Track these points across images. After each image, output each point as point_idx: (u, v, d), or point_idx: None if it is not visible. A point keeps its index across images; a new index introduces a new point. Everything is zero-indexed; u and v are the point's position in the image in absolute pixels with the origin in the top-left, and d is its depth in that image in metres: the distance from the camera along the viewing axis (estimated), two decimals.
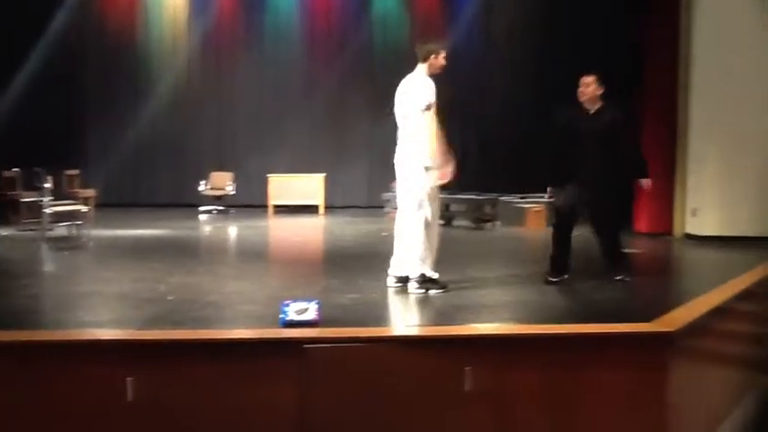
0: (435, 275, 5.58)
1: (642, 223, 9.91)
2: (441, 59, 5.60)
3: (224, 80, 13.99)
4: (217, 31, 13.86)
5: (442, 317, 4.86)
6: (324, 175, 13.00)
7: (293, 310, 4.13)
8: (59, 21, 12.75)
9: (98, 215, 10.95)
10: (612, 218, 6.20)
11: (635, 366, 4.16)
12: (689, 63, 9.44)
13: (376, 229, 10.62)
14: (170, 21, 13.79)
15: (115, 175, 13.37)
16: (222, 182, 13.05)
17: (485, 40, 14.08)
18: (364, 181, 13.99)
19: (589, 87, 5.99)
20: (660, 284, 6.61)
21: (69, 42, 12.96)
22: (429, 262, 5.57)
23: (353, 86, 14.01)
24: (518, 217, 10.85)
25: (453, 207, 11.57)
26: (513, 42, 13.85)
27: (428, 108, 5.45)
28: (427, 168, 5.54)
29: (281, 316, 4.17)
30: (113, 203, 12.76)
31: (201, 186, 12.84)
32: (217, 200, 12.91)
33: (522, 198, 11.33)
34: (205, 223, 11.48)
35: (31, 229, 9.24)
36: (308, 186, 12.90)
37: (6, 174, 10.31)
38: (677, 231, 9.62)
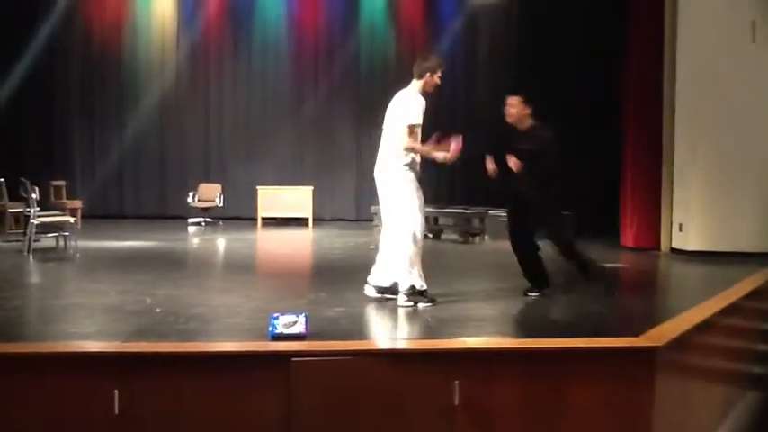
0: (424, 287, 5.58)
1: (629, 238, 9.97)
2: (436, 78, 5.63)
3: (211, 92, 14.00)
4: (204, 42, 13.89)
5: (429, 330, 4.86)
6: (312, 187, 13.01)
7: (282, 323, 4.12)
8: (46, 31, 12.78)
9: (85, 227, 10.94)
10: (558, 228, 6.24)
11: (621, 381, 4.17)
12: (673, 74, 9.50)
13: (364, 242, 10.63)
14: (158, 32, 13.84)
15: (102, 186, 13.39)
16: (211, 194, 13.02)
17: (469, 55, 14.19)
18: (352, 194, 14.03)
19: (514, 108, 6.10)
20: (646, 299, 6.64)
21: (56, 53, 13.01)
22: (418, 274, 5.57)
23: (340, 99, 14.07)
24: (506, 231, 10.83)
25: (441, 221, 11.62)
26: (497, 56, 13.97)
27: (412, 129, 5.47)
28: (410, 179, 5.56)
29: (270, 329, 4.15)
30: (100, 215, 12.75)
31: (190, 198, 12.81)
32: (204, 212, 12.88)
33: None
34: (193, 235, 11.45)
35: (16, 240, 9.18)
36: (296, 199, 12.90)
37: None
38: (664, 246, 9.66)
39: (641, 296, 6.86)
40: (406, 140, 5.51)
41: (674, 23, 9.47)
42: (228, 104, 14.02)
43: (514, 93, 6.15)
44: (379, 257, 5.78)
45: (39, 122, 12.96)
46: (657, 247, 9.69)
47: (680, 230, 9.42)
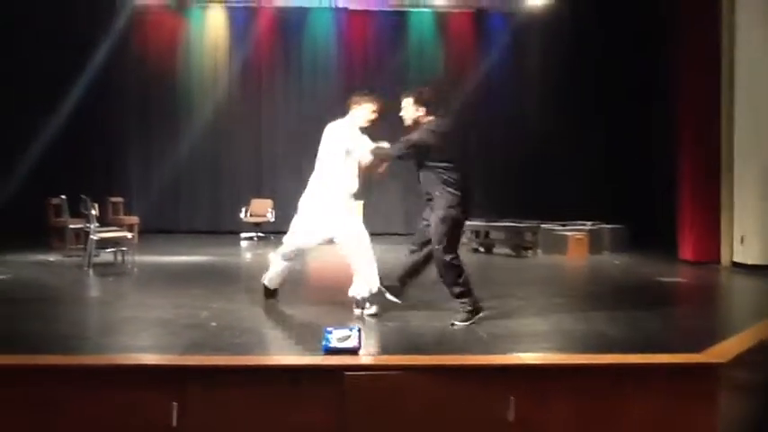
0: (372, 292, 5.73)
1: (688, 251, 9.70)
2: (368, 113, 5.98)
3: (263, 109, 14.21)
4: (256, 60, 14.13)
5: (483, 345, 4.80)
6: (362, 201, 13.04)
7: (335, 337, 4.12)
8: (102, 51, 13.06)
9: (141, 242, 11.11)
10: (442, 236, 5.68)
11: (682, 398, 4.06)
12: (731, 82, 9.24)
13: None
14: (210, 51, 14.11)
15: (157, 202, 13.60)
16: (262, 208, 13.18)
17: (518, 69, 14.13)
18: (401, 207, 14.02)
19: (405, 110, 5.88)
20: (705, 314, 6.45)
21: (113, 74, 13.26)
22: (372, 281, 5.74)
23: (389, 115, 14.04)
24: (559, 245, 10.72)
25: (493, 234, 11.52)
26: (548, 70, 13.87)
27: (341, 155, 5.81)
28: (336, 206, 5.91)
29: (324, 343, 4.16)
30: (155, 230, 12.95)
31: (242, 213, 12.98)
32: (256, 227, 13.03)
33: (563, 225, 11.22)
34: (246, 250, 11.58)
35: (76, 256, 9.43)
36: None
37: (53, 201, 10.56)
38: (724, 260, 9.36)
39: (700, 311, 6.66)
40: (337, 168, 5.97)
41: (731, 35, 9.22)
42: (279, 120, 14.20)
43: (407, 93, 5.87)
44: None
45: (97, 141, 13.31)
46: (718, 261, 9.39)
47: (741, 243, 9.14)
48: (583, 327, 5.43)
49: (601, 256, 10.61)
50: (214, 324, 5.35)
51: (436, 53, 14.32)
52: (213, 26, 14.12)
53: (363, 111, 5.98)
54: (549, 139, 13.53)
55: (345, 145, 5.91)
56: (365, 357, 4.18)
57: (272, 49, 14.18)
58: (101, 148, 13.37)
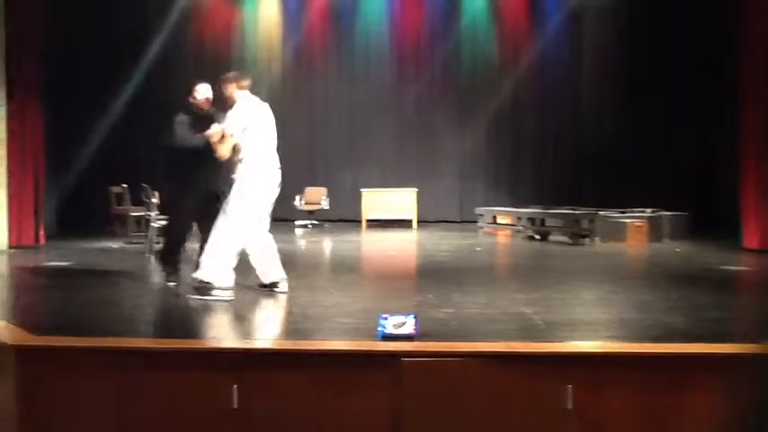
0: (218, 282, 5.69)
1: (753, 239, 9.41)
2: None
3: (316, 95, 14.29)
4: (308, 46, 14.19)
5: (539, 333, 4.76)
6: (416, 189, 13.06)
7: (391, 324, 4.15)
8: (159, 42, 13.27)
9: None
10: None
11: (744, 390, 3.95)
12: None
13: (468, 244, 10.57)
14: (264, 38, 14.20)
15: None
16: (317, 196, 13.28)
17: (573, 53, 13.87)
18: (455, 195, 13.98)
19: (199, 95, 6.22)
20: None
21: (169, 63, 13.46)
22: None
23: (442, 100, 14.04)
24: (618, 232, 10.52)
25: (549, 222, 11.38)
26: (602, 54, 13.58)
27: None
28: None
29: (380, 329, 4.19)
30: None
31: (296, 201, 13.11)
32: (311, 214, 13.16)
33: (622, 212, 11.01)
34: (301, 237, 11.71)
35: (138, 242, 9.68)
36: (400, 201, 12.98)
37: (115, 190, 10.85)
38: None
39: (765, 300, 6.46)
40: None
41: None
42: (332, 107, 14.27)
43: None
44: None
45: (156, 130, 13.55)
46: None
47: None
48: (643, 316, 5.33)
49: (660, 244, 10.38)
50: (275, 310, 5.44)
51: (489, 34, 14.12)
52: (267, 15, 14.22)
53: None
54: (605, 125, 13.29)
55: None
56: (421, 344, 4.19)
57: (325, 37, 14.21)
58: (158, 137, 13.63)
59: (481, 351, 4.15)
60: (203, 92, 6.24)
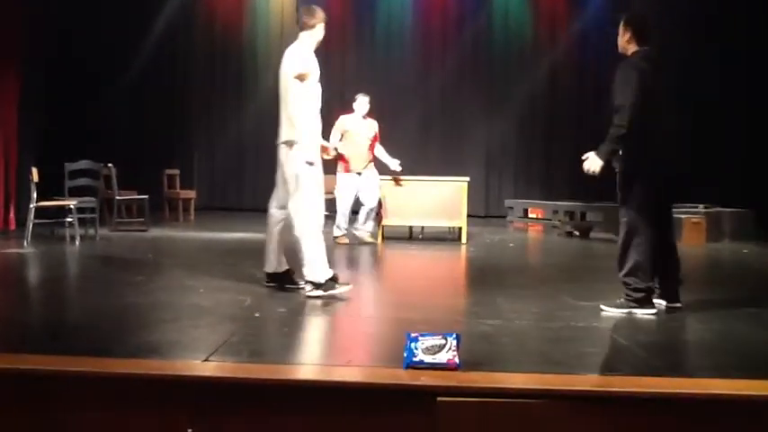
0: (327, 276, 4.68)
1: None
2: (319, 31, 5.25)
3: (333, 79, 13.07)
4: (326, 29, 12.96)
5: (633, 361, 3.38)
6: (467, 179, 11.90)
7: (423, 347, 2.80)
8: (167, 21, 12.64)
9: (198, 217, 10.65)
10: None
11: None
12: None
13: (499, 239, 9.30)
14: (277, 20, 13.25)
15: (221, 177, 13.03)
16: (330, 185, 12.08)
17: (617, 30, 12.61)
18: (482, 188, 12.93)
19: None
20: None
21: (178, 42, 12.83)
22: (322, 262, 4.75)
23: (470, 87, 13.12)
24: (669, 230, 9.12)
25: (590, 216, 10.18)
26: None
27: (299, 78, 4.98)
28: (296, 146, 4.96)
29: (406, 354, 2.86)
30: (219, 207, 12.51)
31: None
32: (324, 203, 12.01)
33: (677, 207, 9.64)
34: None
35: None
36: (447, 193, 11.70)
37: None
38: None
39: None
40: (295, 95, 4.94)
41: None
42: (349, 94, 13.07)
43: None
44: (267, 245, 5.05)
45: (161, 112, 12.62)
46: None
47: None
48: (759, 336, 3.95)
49: (720, 244, 9.00)
50: (257, 315, 4.14)
51: (523, 18, 13.03)
52: None
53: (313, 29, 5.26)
54: (651, 111, 12.02)
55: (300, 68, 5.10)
56: (465, 375, 2.87)
57: (343, 19, 13.04)
58: (164, 119, 12.66)
59: (554, 389, 2.83)
60: None
